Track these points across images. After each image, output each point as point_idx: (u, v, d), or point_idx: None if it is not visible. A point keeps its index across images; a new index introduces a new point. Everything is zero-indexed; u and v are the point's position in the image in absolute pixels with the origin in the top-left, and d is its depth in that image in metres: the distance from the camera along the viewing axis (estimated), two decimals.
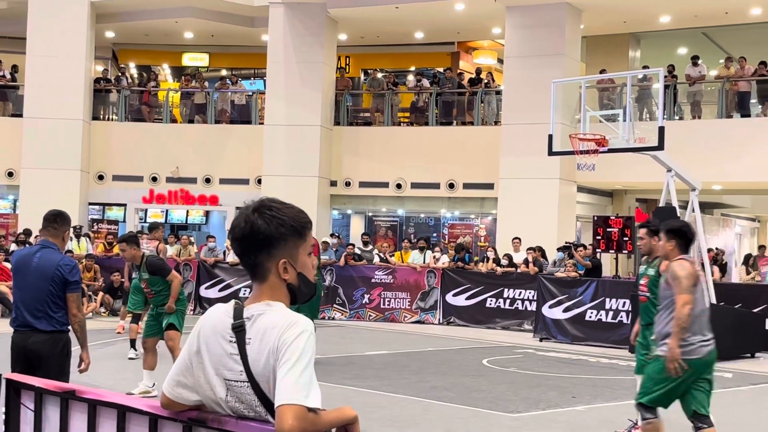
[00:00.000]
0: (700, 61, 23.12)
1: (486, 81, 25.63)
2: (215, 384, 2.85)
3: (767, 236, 38.96)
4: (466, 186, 24.37)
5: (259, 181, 24.87)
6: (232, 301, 2.94)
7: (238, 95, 27.18)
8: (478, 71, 26.27)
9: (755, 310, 16.41)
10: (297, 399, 2.63)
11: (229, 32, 27.57)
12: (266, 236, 2.88)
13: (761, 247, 24.46)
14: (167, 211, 27.62)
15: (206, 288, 20.98)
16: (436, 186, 24.65)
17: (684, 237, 7.12)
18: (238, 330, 2.83)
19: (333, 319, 20.23)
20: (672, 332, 6.82)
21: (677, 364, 6.74)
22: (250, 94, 27.42)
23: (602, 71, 23.08)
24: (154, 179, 25.86)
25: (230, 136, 26.07)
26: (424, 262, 20.77)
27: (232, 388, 2.82)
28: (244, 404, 2.82)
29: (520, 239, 20.74)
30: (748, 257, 24.56)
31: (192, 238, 22.64)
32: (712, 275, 16.56)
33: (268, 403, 2.77)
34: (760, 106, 22.63)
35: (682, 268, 6.93)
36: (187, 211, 27.84)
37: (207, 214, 28.23)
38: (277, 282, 2.91)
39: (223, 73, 30.16)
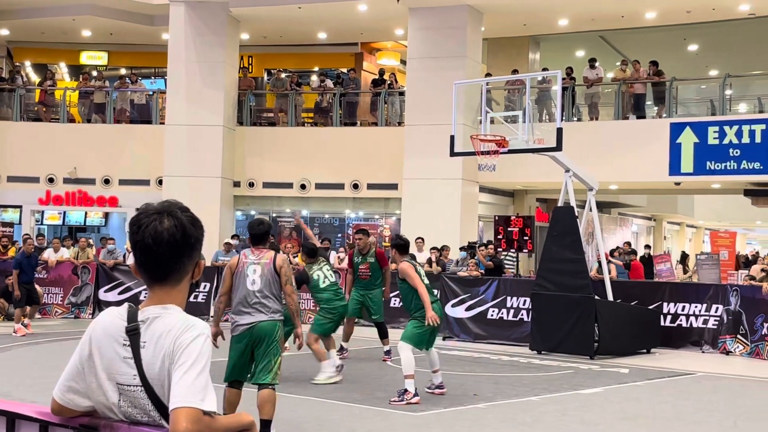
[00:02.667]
0: (597, 64, 23.66)
1: (389, 82, 25.75)
2: (107, 389, 2.78)
3: (662, 234, 40.16)
4: (371, 186, 24.46)
5: (160, 182, 24.49)
6: (126, 304, 2.87)
7: (138, 94, 26.72)
8: (381, 72, 26.37)
9: (650, 307, 16.82)
10: (192, 402, 2.58)
11: (128, 30, 27.10)
12: (196, 238, 2.83)
13: (647, 246, 25.17)
14: (65, 212, 26.99)
15: (105, 291, 20.52)
16: (341, 186, 24.66)
17: (254, 237, 8.66)
18: (132, 333, 2.75)
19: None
20: None
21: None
22: (151, 93, 26.99)
23: (514, 71, 23.38)
24: (51, 180, 25.24)
25: (130, 136, 25.61)
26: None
27: (125, 393, 2.76)
28: (138, 409, 2.75)
29: (423, 239, 20.88)
30: (684, 256, 25.27)
31: (90, 240, 22.14)
32: (609, 273, 16.91)
33: (162, 408, 2.71)
34: (655, 108, 23.26)
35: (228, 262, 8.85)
36: (86, 213, 27.24)
37: (106, 215, 27.68)
38: (186, 284, 2.86)
39: (123, 72, 29.60)
